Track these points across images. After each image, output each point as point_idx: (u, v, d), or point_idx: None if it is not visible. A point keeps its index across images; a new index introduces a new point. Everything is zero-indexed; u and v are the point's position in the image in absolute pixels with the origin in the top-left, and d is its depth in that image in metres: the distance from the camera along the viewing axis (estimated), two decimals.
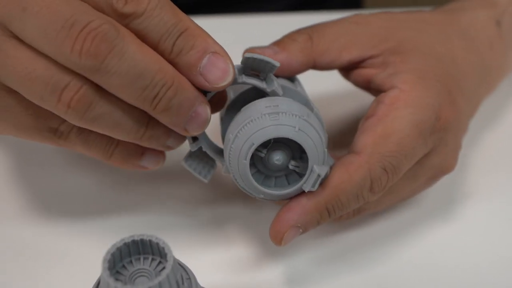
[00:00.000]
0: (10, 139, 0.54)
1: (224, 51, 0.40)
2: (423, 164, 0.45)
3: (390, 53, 0.46)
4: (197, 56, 0.39)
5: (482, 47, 0.51)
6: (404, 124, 0.43)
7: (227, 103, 0.45)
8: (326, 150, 0.41)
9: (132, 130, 0.40)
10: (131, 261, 0.37)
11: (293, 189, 0.41)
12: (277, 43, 0.46)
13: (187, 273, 0.38)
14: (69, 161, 0.53)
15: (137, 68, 0.37)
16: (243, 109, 0.41)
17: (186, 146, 0.44)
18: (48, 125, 0.41)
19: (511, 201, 0.51)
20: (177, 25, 0.38)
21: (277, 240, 0.42)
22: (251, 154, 0.39)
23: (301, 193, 0.42)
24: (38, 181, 0.52)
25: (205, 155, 0.44)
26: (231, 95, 0.45)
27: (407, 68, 0.45)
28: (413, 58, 0.46)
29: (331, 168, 0.42)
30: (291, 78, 0.47)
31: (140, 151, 0.44)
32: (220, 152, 0.44)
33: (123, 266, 0.37)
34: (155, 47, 0.38)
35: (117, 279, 0.36)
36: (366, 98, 0.49)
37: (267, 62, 0.40)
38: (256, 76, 0.42)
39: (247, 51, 0.46)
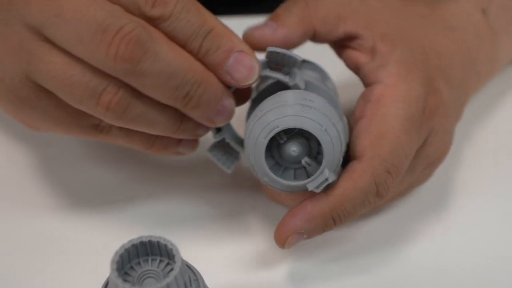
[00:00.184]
0: (23, 134, 0.54)
1: (250, 49, 0.41)
2: (419, 156, 0.45)
3: (380, 38, 0.46)
4: (223, 56, 0.40)
5: (467, 35, 0.51)
6: (396, 121, 0.43)
7: (251, 97, 0.45)
8: (341, 160, 0.41)
9: (167, 126, 0.41)
10: (139, 262, 0.37)
11: (298, 183, 0.41)
12: (274, 18, 0.46)
13: (195, 275, 0.38)
14: (78, 157, 0.53)
15: (169, 68, 0.38)
16: (279, 93, 0.42)
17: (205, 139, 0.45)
18: (90, 122, 0.42)
19: (508, 198, 0.51)
20: (203, 26, 0.39)
21: (280, 243, 0.43)
22: (272, 135, 0.40)
23: (307, 199, 0.42)
24: (47, 178, 0.52)
25: (229, 146, 0.45)
26: (254, 87, 0.45)
27: (393, 60, 0.45)
28: (400, 48, 0.46)
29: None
30: (321, 73, 0.47)
31: (178, 139, 0.45)
32: (243, 143, 0.44)
33: (131, 267, 0.37)
34: (182, 47, 0.39)
35: (125, 280, 0.36)
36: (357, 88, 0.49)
37: (290, 57, 0.41)
38: (279, 70, 0.42)
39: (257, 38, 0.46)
